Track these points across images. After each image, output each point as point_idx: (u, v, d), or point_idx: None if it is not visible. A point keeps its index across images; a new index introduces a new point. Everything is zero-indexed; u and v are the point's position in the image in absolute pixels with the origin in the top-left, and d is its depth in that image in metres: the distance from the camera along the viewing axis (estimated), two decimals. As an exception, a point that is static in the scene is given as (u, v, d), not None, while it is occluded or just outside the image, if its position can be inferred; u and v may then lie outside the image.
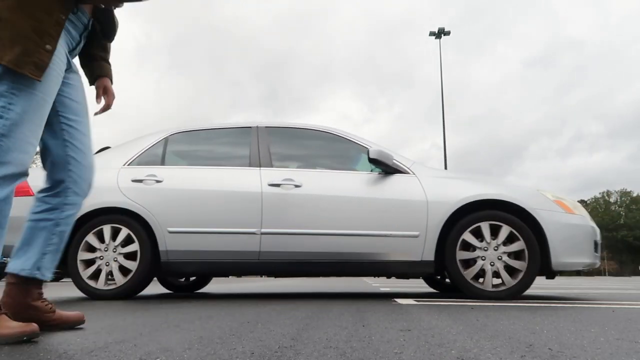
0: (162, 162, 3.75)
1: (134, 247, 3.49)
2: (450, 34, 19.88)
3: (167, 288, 5.35)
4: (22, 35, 1.41)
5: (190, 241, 3.48)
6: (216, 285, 7.67)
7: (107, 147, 4.03)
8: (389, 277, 3.72)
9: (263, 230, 3.46)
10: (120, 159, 3.76)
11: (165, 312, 2.47)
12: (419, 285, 8.07)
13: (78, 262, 3.46)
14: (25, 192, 3.56)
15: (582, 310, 2.62)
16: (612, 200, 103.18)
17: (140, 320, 2.06)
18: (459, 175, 3.62)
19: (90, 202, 3.50)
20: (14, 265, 1.62)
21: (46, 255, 1.66)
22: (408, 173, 3.61)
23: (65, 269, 3.51)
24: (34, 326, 1.43)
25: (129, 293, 3.47)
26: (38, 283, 1.66)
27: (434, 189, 3.50)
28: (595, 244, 3.57)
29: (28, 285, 1.64)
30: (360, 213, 3.45)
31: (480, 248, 3.39)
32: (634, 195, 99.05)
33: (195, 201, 3.53)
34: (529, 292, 5.19)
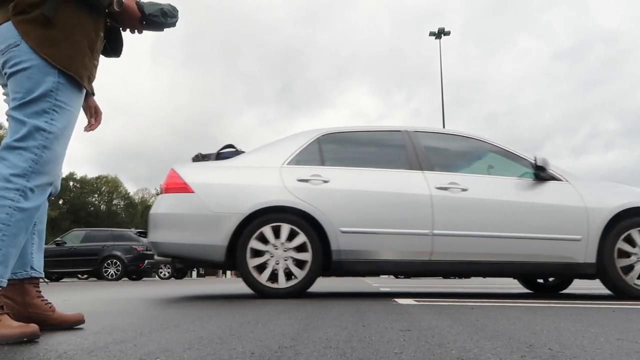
0: (322, 162, 3.79)
1: (305, 246, 3.47)
2: (460, 33, 19.89)
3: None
4: (81, 51, 1.59)
5: (363, 241, 3.53)
6: (216, 286, 7.67)
7: (230, 145, 4.03)
8: (546, 279, 4.08)
9: (435, 231, 3.55)
10: (276, 158, 3.77)
11: (165, 312, 2.47)
12: (419, 285, 8.07)
13: (247, 257, 3.43)
14: (183, 188, 3.58)
15: (582, 310, 2.62)
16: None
17: (140, 320, 2.06)
18: (607, 184, 3.86)
19: (257, 201, 3.49)
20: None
21: (33, 254, 1.71)
22: (561, 180, 3.79)
23: (234, 263, 3.48)
24: (35, 326, 1.44)
25: (300, 292, 3.48)
26: (35, 281, 1.71)
27: (590, 195, 3.70)
28: None
29: (24, 284, 1.67)
30: (525, 216, 3.62)
31: (634, 254, 3.60)
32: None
33: (365, 202, 3.59)
34: (528, 291, 5.19)
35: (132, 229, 14.28)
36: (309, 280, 3.46)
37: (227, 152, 3.99)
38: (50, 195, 1.75)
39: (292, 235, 3.47)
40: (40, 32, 1.50)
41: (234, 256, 3.46)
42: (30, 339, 1.43)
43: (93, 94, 1.92)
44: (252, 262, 3.43)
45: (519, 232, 3.59)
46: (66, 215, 48.86)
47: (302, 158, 3.79)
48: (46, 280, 1.88)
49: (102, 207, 58.61)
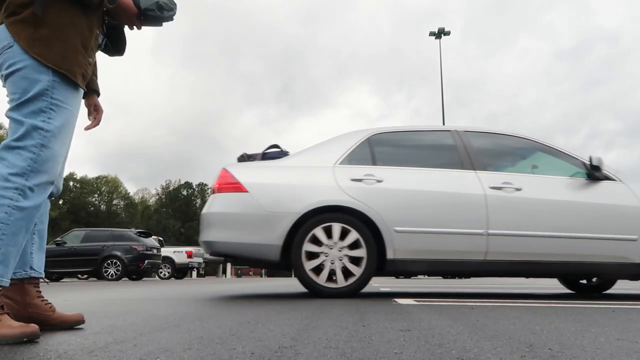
0: (374, 162, 3.79)
1: (360, 246, 3.46)
2: (460, 33, 19.92)
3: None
4: (74, 49, 1.58)
5: (417, 241, 3.52)
6: (216, 286, 7.67)
7: (275, 145, 4.03)
8: (602, 279, 4.15)
9: (490, 231, 3.54)
10: (327, 158, 3.77)
11: (165, 312, 2.47)
12: (419, 285, 8.07)
13: (303, 257, 3.43)
14: (237, 188, 3.59)
15: (582, 310, 2.62)
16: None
17: (140, 320, 2.06)
18: None
19: (312, 201, 3.48)
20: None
21: (33, 254, 1.70)
22: (615, 180, 3.77)
23: (288, 263, 3.49)
24: (35, 327, 1.44)
25: (355, 292, 3.48)
26: (35, 281, 1.71)
27: None
28: None
29: (24, 284, 1.67)
30: (580, 216, 3.61)
31: None
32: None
33: (419, 201, 3.59)
34: (528, 291, 5.19)
35: (132, 229, 14.27)
36: (364, 280, 3.46)
37: (273, 152, 4.00)
38: (51, 195, 1.75)
39: (346, 235, 3.47)
40: (30, 32, 1.50)
41: (288, 255, 3.46)
42: (30, 339, 1.43)
43: (98, 94, 1.92)
44: (308, 262, 3.44)
45: (574, 232, 3.57)
46: (66, 215, 48.89)
47: (354, 158, 3.80)
48: (46, 280, 1.88)
49: (102, 207, 58.64)
